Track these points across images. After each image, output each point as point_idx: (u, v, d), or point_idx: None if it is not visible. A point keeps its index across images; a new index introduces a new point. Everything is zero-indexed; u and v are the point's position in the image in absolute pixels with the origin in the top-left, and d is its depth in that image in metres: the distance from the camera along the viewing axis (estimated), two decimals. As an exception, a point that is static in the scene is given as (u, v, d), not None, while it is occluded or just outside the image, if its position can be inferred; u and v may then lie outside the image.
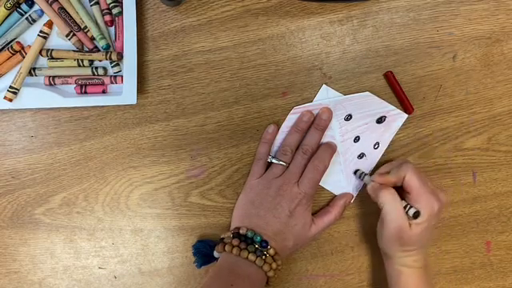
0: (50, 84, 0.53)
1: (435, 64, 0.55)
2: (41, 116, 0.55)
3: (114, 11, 0.52)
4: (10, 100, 0.52)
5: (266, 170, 0.54)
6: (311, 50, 0.55)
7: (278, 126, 0.55)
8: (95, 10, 0.52)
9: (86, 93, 0.54)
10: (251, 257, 0.48)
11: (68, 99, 0.52)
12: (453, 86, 0.56)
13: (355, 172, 0.56)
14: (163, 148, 0.56)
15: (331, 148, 0.54)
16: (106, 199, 0.56)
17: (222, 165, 0.56)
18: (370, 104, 0.55)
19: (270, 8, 0.54)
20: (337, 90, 0.55)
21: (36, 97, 0.52)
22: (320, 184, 0.55)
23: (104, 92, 0.54)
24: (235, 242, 0.50)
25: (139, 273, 0.57)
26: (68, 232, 0.56)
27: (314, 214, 0.55)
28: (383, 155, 0.56)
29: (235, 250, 0.49)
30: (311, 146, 0.53)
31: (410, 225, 0.49)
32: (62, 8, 0.52)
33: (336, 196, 0.56)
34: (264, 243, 0.49)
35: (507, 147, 0.57)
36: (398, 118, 0.55)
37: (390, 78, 0.55)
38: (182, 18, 0.54)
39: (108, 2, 0.52)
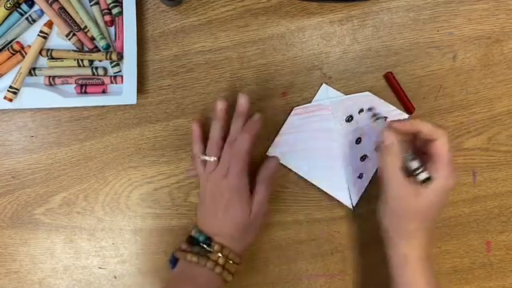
0: (50, 84, 0.53)
1: (435, 64, 0.55)
2: (41, 116, 0.55)
3: (114, 11, 0.52)
4: (10, 100, 0.52)
5: None
6: (311, 50, 0.55)
7: (278, 126, 0.55)
8: (95, 10, 0.52)
9: (86, 93, 0.54)
10: (193, 258, 0.48)
11: (68, 99, 0.52)
12: (453, 85, 0.56)
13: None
14: (163, 148, 0.56)
15: (248, 133, 0.49)
16: (105, 199, 0.56)
17: (222, 165, 0.56)
18: (371, 105, 0.55)
19: (270, 8, 0.54)
20: (337, 90, 0.55)
21: (36, 97, 0.52)
22: (320, 187, 0.55)
23: (104, 92, 0.54)
24: (183, 246, 0.50)
25: (139, 273, 0.57)
26: (68, 232, 0.56)
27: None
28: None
29: (181, 255, 0.49)
30: (236, 135, 0.50)
31: (417, 196, 0.45)
32: (62, 8, 0.52)
33: (260, 168, 0.52)
34: (207, 240, 0.49)
35: (507, 147, 0.57)
36: (399, 118, 0.55)
37: (390, 78, 0.55)
38: (182, 17, 0.54)
39: (108, 2, 0.52)
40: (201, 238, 0.49)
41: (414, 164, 0.46)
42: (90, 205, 0.56)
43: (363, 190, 0.56)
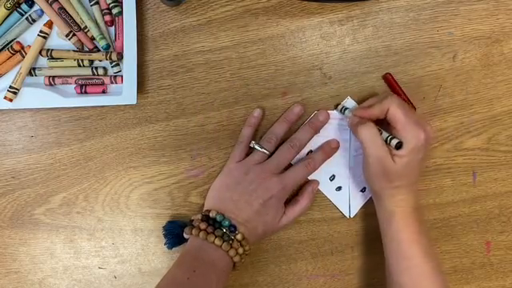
0: (50, 84, 0.53)
1: (435, 64, 0.55)
2: (41, 116, 0.55)
3: (114, 11, 0.52)
4: (10, 100, 0.52)
5: (246, 156, 0.54)
6: (311, 50, 0.55)
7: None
8: (95, 9, 0.52)
9: (86, 93, 0.54)
10: (217, 241, 0.48)
11: (68, 99, 0.52)
12: (453, 86, 0.56)
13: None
14: (163, 148, 0.56)
15: (327, 155, 0.54)
16: (105, 199, 0.56)
17: (221, 165, 0.56)
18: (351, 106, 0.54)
19: (269, 8, 0.54)
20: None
21: (36, 97, 0.52)
22: (321, 190, 0.56)
23: (104, 92, 0.54)
24: (203, 225, 0.49)
25: (139, 273, 0.57)
26: (68, 232, 0.56)
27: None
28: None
29: (202, 234, 0.49)
30: (300, 141, 0.53)
31: (393, 158, 0.48)
32: (62, 8, 0.52)
33: (304, 184, 0.55)
34: (232, 228, 0.49)
35: (507, 147, 0.57)
36: None
37: (388, 79, 0.55)
38: (182, 18, 0.54)
39: (108, 2, 0.52)
40: (225, 223, 0.49)
41: (384, 135, 0.49)
42: (90, 205, 0.56)
43: (364, 203, 0.56)
